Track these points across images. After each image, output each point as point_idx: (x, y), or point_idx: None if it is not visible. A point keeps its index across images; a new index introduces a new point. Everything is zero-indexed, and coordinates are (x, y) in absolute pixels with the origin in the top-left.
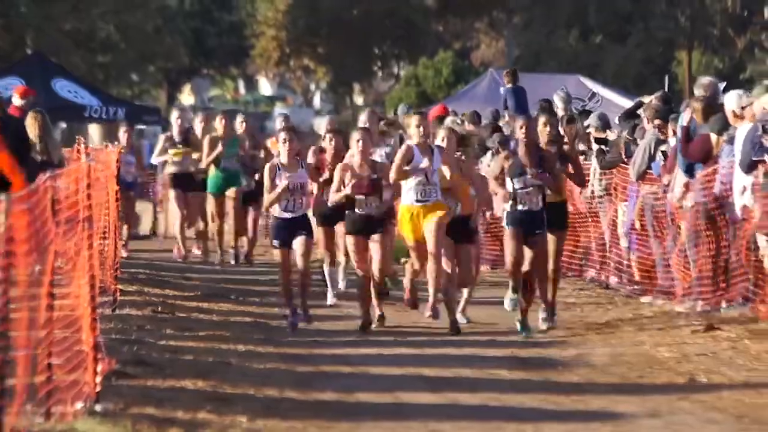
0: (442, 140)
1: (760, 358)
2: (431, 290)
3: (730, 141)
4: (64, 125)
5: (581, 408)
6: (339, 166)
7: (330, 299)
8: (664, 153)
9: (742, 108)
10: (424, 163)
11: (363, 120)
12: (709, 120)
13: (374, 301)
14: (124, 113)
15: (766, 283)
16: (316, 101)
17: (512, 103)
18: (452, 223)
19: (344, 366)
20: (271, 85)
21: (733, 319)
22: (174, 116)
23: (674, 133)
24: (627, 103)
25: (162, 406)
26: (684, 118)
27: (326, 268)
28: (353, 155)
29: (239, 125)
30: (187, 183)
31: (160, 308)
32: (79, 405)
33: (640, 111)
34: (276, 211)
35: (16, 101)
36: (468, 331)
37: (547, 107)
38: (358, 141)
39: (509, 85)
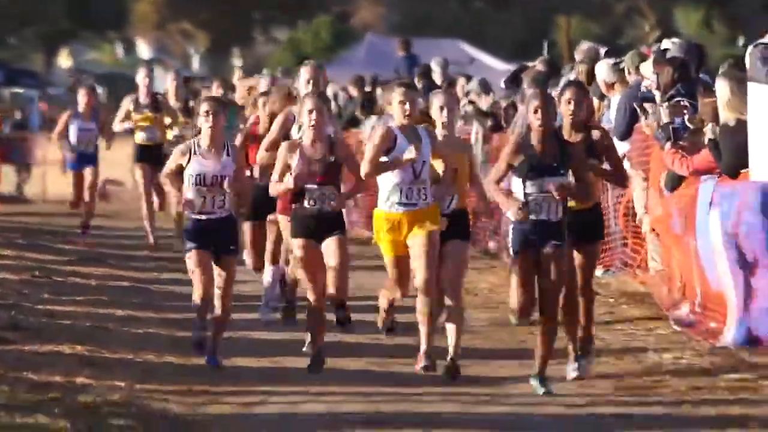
0: (441, 113)
1: (637, 323)
2: (423, 333)
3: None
4: None
5: (463, 373)
6: (284, 146)
7: (264, 314)
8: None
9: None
10: (409, 153)
11: (306, 77)
12: (591, 84)
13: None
14: (1, 77)
15: (643, 248)
16: (195, 65)
17: (406, 73)
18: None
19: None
20: (150, 48)
21: (610, 284)
22: (140, 75)
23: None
24: (507, 69)
25: (39, 371)
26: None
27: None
28: (303, 131)
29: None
30: (157, 157)
31: (37, 273)
32: None
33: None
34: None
35: None
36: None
37: (426, 73)
38: (310, 111)
39: (402, 53)
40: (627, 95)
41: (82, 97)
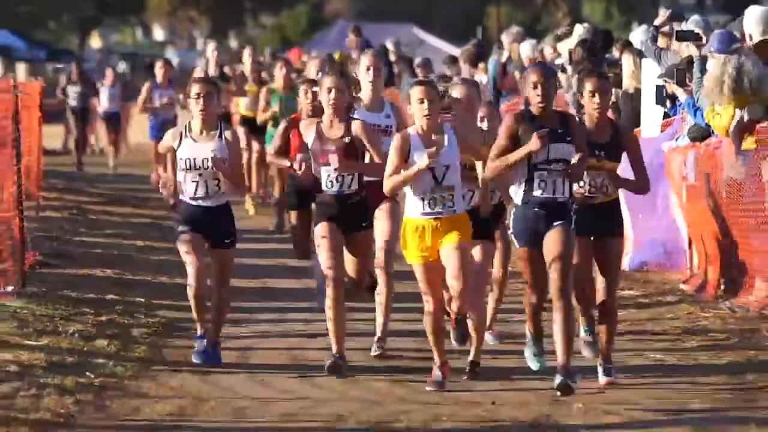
0: (460, 96)
1: None
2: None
3: None
4: None
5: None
6: (303, 124)
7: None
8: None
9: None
10: (423, 160)
11: (367, 63)
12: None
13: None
14: (45, 55)
15: None
16: (199, 45)
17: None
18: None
19: None
20: (163, 32)
21: None
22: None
23: (485, 71)
24: (452, 50)
25: (77, 289)
26: (503, 56)
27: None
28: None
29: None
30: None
31: (75, 211)
32: (10, 288)
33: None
34: (184, 195)
35: None
36: None
37: (383, 52)
38: (329, 90)
39: (356, 38)
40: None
41: (159, 70)
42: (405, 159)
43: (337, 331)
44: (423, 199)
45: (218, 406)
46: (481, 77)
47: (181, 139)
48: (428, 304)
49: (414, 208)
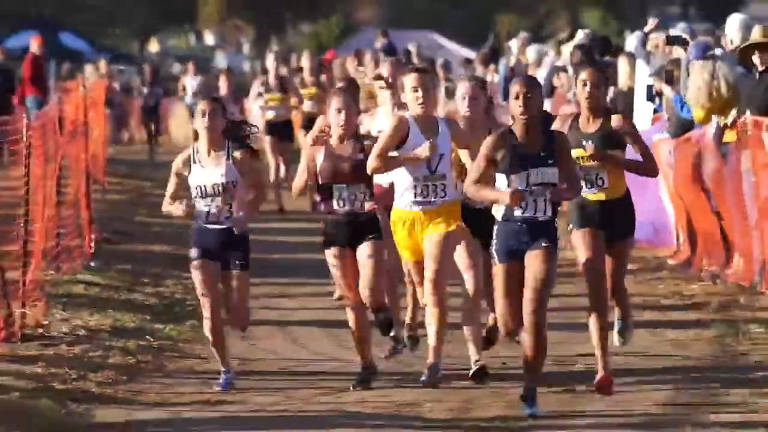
0: (463, 99)
1: None
2: (431, 338)
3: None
4: (68, 65)
5: None
6: (311, 147)
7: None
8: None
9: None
10: (423, 148)
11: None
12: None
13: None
14: (109, 58)
15: None
16: (245, 49)
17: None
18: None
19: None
20: (213, 37)
21: None
22: (270, 60)
23: (496, 71)
24: (467, 53)
25: (137, 263)
26: (512, 61)
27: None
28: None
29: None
30: (282, 131)
31: (135, 195)
32: (78, 262)
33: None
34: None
35: (34, 48)
36: None
37: (406, 54)
38: (339, 111)
39: (384, 40)
40: (550, 70)
41: (223, 82)
42: (402, 141)
43: (363, 349)
44: (415, 187)
45: (262, 365)
46: (493, 77)
47: (190, 165)
48: (419, 293)
49: (404, 196)
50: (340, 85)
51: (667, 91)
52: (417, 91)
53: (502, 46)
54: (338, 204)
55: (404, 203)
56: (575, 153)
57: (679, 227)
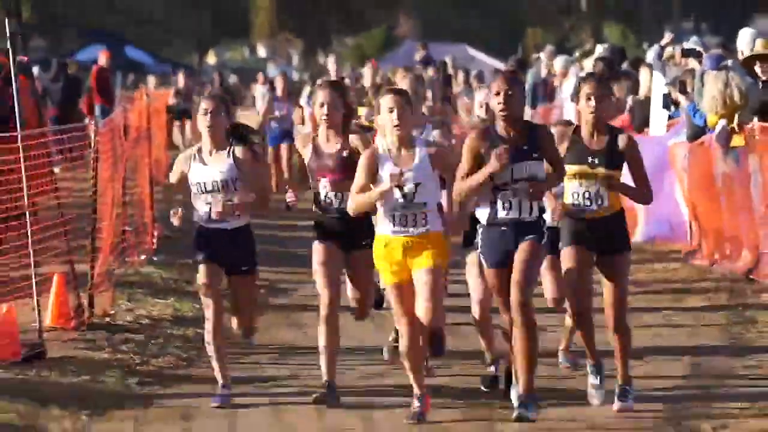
0: (480, 107)
1: None
2: (412, 379)
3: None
4: (132, 76)
5: None
6: (299, 138)
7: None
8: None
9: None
10: (386, 182)
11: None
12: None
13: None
14: (170, 69)
15: None
16: (295, 61)
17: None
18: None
19: None
20: (265, 50)
21: None
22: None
23: (525, 81)
24: (496, 64)
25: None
26: (542, 71)
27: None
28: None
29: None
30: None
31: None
32: (142, 257)
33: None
34: (196, 215)
35: (102, 61)
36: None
37: (443, 65)
38: (321, 105)
39: (423, 51)
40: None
41: (279, 83)
42: (373, 176)
43: (328, 356)
44: (393, 217)
45: (307, 352)
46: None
47: (191, 163)
48: (402, 327)
49: (384, 224)
50: (322, 80)
51: (681, 99)
52: (392, 112)
53: (529, 58)
54: (325, 201)
55: (386, 232)
56: (578, 169)
57: (693, 224)
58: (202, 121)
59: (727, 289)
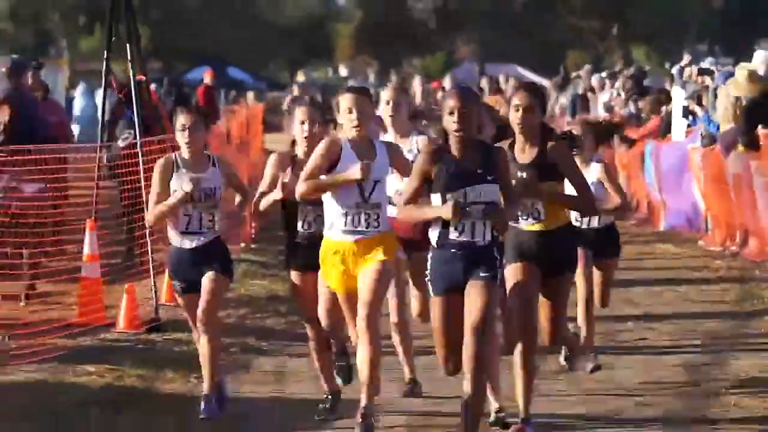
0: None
1: None
2: (363, 386)
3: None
4: (234, 93)
5: None
6: (272, 159)
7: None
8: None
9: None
10: (354, 169)
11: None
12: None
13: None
14: (266, 86)
15: None
16: (371, 79)
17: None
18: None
19: None
20: (346, 70)
21: None
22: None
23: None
24: (541, 80)
25: None
26: (580, 87)
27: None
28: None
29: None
30: None
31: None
32: (243, 245)
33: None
34: (172, 236)
35: (207, 80)
36: None
37: (495, 86)
38: (302, 122)
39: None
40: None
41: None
42: (331, 165)
43: (324, 369)
44: (346, 215)
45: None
46: (565, 99)
47: (172, 172)
48: (354, 334)
49: (334, 225)
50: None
51: (698, 110)
52: (351, 112)
53: (570, 76)
54: (303, 226)
55: (333, 233)
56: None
57: (709, 216)
58: (180, 137)
59: (737, 271)
